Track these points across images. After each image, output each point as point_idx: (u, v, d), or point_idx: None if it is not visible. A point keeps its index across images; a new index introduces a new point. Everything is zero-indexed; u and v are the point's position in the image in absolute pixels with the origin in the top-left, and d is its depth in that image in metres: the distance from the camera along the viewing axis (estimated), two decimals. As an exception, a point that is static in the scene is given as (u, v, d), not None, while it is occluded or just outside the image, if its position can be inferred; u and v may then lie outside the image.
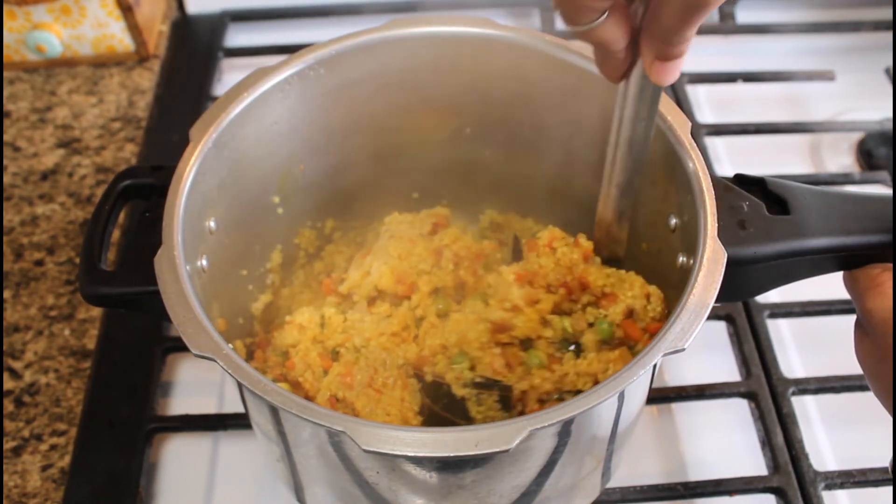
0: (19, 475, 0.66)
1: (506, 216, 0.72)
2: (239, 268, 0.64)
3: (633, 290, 0.57)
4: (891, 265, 0.50)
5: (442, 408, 0.57)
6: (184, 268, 0.49)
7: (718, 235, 0.50)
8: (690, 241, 0.52)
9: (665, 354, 0.45)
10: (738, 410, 0.71)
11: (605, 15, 0.44)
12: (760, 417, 0.69)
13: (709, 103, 0.97)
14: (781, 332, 0.76)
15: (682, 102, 0.92)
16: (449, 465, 0.47)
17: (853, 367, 0.51)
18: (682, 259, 0.54)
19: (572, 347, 0.58)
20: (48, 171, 0.87)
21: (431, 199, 0.72)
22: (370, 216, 0.71)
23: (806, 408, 0.71)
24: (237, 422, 0.67)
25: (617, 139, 0.53)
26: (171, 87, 0.96)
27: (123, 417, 0.68)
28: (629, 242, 0.63)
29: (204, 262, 0.55)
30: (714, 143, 0.92)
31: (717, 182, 0.54)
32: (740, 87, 0.96)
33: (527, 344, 0.58)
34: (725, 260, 0.49)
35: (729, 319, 0.75)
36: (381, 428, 0.43)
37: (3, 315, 0.75)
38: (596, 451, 0.54)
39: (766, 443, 0.67)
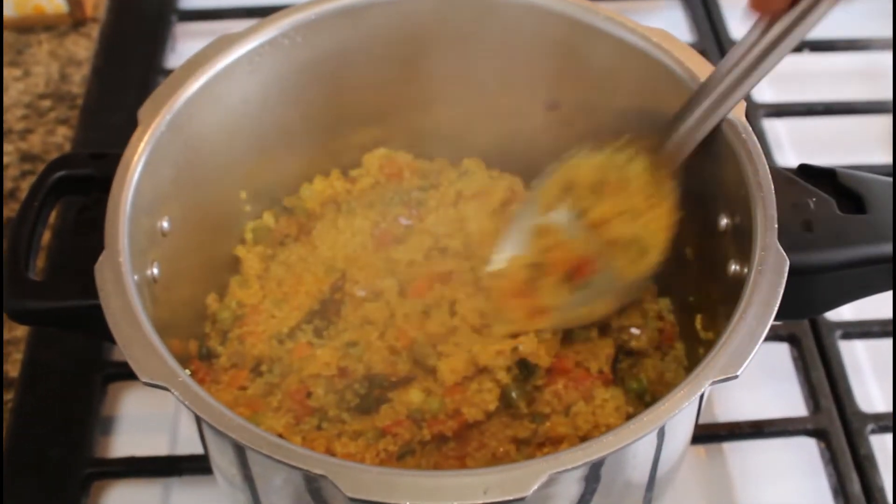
0: (-72, 530, 0.66)
1: None
2: (197, 276, 0.65)
3: None
4: None
5: None
6: (130, 277, 0.50)
7: (779, 239, 0.51)
8: (744, 246, 0.52)
9: (714, 382, 0.46)
10: (805, 452, 0.71)
11: None
12: (832, 460, 0.69)
13: (768, 78, 0.97)
14: (857, 357, 0.77)
15: (735, 76, 0.93)
16: (452, 517, 0.48)
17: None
18: (734, 267, 0.55)
19: None
20: (-37, 159, 0.88)
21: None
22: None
23: (887, 448, 0.72)
24: (194, 465, 0.68)
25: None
26: (113, 58, 0.97)
27: (54, 461, 0.69)
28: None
29: (155, 271, 0.56)
30: (774, 127, 0.93)
31: (778, 174, 0.54)
32: (807, 58, 0.96)
33: None
34: (787, 268, 0.50)
35: (792, 341, 0.75)
36: (369, 472, 0.43)
37: None
38: (631, 500, 0.54)
39: (840, 491, 0.68)
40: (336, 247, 0.68)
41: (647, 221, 0.60)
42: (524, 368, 0.63)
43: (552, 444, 0.60)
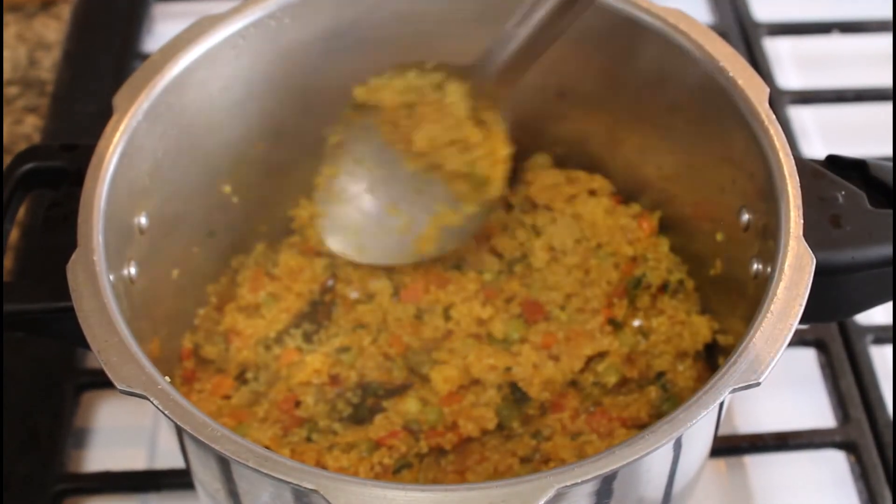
0: None
1: None
2: (178, 277, 0.65)
3: None
4: None
5: None
6: (106, 277, 0.50)
7: (805, 235, 0.51)
8: (767, 244, 0.53)
9: (734, 390, 0.46)
10: (833, 466, 0.71)
11: None
12: (863, 475, 0.69)
13: (794, 62, 0.98)
14: (889, 364, 0.77)
15: (757, 61, 0.93)
16: (452, 535, 0.48)
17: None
18: (756, 266, 0.55)
19: None
20: (-76, 151, 0.88)
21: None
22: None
23: (922, 462, 0.72)
24: (174, 480, 0.68)
25: None
26: (85, 41, 0.97)
27: (23, 476, 0.69)
28: (685, 245, 0.64)
29: (132, 270, 0.56)
30: (800, 115, 0.93)
31: (804, 166, 0.54)
32: (836, 40, 0.97)
33: None
34: (814, 267, 0.50)
35: (819, 346, 0.75)
36: (364, 486, 0.44)
37: None
38: (645, 517, 0.54)
39: (870, 508, 0.68)
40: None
41: (479, 155, 0.61)
42: (516, 391, 0.63)
43: (557, 462, 0.60)
